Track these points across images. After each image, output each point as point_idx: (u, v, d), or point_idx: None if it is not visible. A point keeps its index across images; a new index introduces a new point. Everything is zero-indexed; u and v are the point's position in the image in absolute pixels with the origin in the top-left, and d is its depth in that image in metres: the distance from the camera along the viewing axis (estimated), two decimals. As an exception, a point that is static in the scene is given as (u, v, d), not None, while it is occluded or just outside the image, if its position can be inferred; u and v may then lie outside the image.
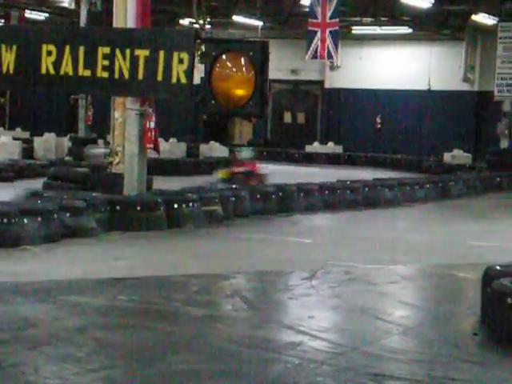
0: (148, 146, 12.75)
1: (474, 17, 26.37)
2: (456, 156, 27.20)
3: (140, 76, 10.31)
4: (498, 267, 6.83)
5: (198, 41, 11.01)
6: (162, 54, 10.35)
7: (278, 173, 22.66)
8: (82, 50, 10.35)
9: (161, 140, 23.22)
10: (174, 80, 10.39)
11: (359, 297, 7.90)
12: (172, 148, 26.11)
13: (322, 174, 21.72)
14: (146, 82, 10.39)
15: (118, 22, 12.71)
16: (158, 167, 18.32)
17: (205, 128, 33.15)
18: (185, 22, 27.73)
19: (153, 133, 12.71)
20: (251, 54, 10.22)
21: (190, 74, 10.43)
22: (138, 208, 11.70)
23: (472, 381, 5.33)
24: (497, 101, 25.05)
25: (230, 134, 34.09)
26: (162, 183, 14.96)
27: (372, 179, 18.07)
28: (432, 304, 7.88)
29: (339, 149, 31.15)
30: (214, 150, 27.11)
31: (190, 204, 12.36)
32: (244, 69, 10.55)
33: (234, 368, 5.46)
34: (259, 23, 27.19)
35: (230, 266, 9.26)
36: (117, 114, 13.07)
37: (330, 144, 31.52)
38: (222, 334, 6.35)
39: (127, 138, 12.78)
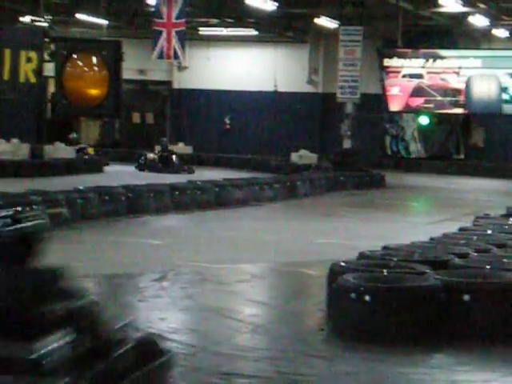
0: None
1: (316, 20, 27.04)
2: (302, 156, 27.80)
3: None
4: (342, 263, 7.02)
5: (47, 39, 10.61)
6: (7, 52, 9.99)
7: (127, 174, 22.44)
8: None
9: (1, 141, 22.45)
10: (22, 79, 10.05)
11: (210, 297, 7.93)
12: (14, 149, 25.24)
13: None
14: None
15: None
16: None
17: (50, 128, 32.32)
18: (25, 19, 26.96)
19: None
20: (104, 53, 9.97)
21: (38, 73, 10.09)
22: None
23: (318, 375, 5.46)
24: (340, 102, 25.78)
25: (77, 134, 33.40)
26: (3, 186, 14.46)
27: (222, 179, 18.20)
28: (281, 301, 8.01)
29: (189, 149, 31.19)
30: (60, 150, 26.46)
31: (33, 207, 11.98)
32: (96, 68, 10.29)
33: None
34: (104, 22, 26.81)
35: (76, 270, 9.05)
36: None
37: (180, 144, 31.50)
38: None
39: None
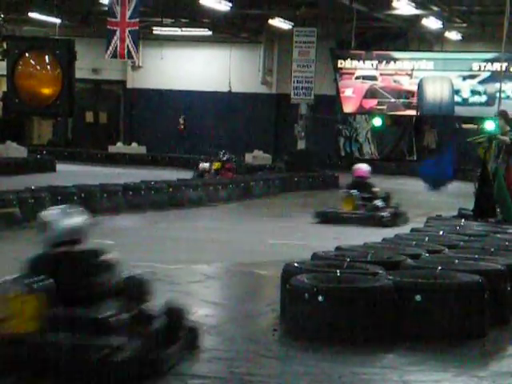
0: None
1: (270, 21, 27.11)
2: (257, 157, 27.87)
3: None
4: (296, 264, 7.03)
5: (-1, 38, 10.53)
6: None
7: (80, 174, 22.26)
8: None
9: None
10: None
11: (163, 297, 7.87)
12: (-36, 149, 24.95)
13: (125, 175, 21.53)
14: None
15: None
16: None
17: (2, 127, 31.92)
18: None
19: None
20: (57, 52, 9.89)
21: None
22: None
23: (271, 375, 5.46)
24: (294, 103, 25.87)
25: (28, 133, 33.05)
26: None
27: (176, 179, 18.14)
28: (234, 302, 8.00)
29: (143, 149, 31.05)
30: (12, 150, 26.15)
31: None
32: (49, 67, 10.22)
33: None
34: (57, 21, 26.54)
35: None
36: None
37: (134, 144, 31.34)
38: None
39: None
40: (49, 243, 5.41)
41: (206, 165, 20.49)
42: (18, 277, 5.22)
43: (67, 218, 5.49)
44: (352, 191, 15.13)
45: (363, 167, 16.06)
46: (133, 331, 5.09)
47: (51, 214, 5.56)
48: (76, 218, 5.53)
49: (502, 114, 12.79)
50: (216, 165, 20.39)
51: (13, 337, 4.87)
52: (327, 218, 14.76)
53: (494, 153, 12.11)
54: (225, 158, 20.75)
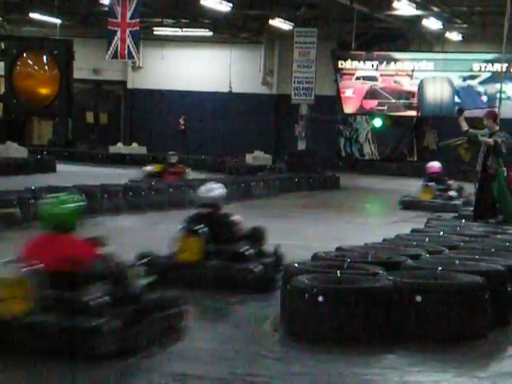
0: None
1: (271, 21, 27.13)
2: (257, 157, 27.86)
3: None
4: (297, 264, 7.03)
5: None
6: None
7: (80, 174, 22.25)
8: None
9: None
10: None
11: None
12: (-36, 148, 24.95)
13: (126, 175, 21.52)
14: None
15: None
16: None
17: (1, 127, 31.92)
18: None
19: None
20: (55, 52, 9.95)
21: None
22: None
23: (272, 376, 5.46)
24: (294, 104, 25.87)
25: (28, 133, 33.04)
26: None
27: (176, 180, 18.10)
28: (235, 302, 7.98)
29: (143, 149, 31.05)
30: (12, 150, 26.14)
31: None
32: (47, 67, 10.30)
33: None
34: (58, 21, 26.54)
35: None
36: None
37: (134, 145, 31.34)
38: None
39: None
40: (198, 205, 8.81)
41: (151, 168, 20.21)
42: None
43: (211, 191, 8.83)
44: (430, 183, 17.53)
45: (435, 164, 18.43)
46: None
47: (205, 188, 8.88)
48: (216, 191, 8.84)
49: (491, 115, 12.75)
50: (158, 167, 19.70)
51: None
52: (409, 205, 17.01)
53: (483, 152, 12.11)
54: (174, 161, 20.10)
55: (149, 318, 5.80)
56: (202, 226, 8.35)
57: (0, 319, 5.47)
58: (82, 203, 6.37)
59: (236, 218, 8.79)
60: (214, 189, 8.82)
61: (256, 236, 8.73)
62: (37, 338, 5.42)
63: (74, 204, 6.23)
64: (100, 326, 5.38)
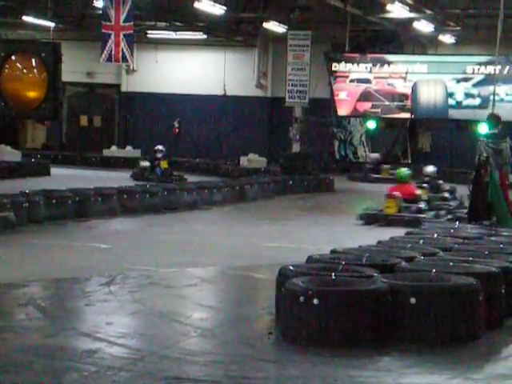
0: None
1: (265, 24, 27.13)
2: (252, 160, 27.85)
3: None
4: (291, 267, 7.04)
5: (-16, 41, 10.55)
6: None
7: (74, 177, 22.24)
8: None
9: None
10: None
11: (159, 301, 7.89)
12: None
13: (120, 178, 21.52)
14: None
15: None
16: None
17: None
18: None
19: None
20: (43, 55, 9.88)
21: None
22: None
23: (266, 378, 5.46)
24: (288, 106, 25.87)
25: (22, 137, 32.98)
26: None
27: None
28: (230, 305, 8.00)
29: (137, 153, 31.00)
30: (6, 154, 26.10)
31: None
32: (35, 70, 10.20)
33: (27, 379, 5.27)
34: (51, 24, 26.50)
35: (22, 274, 8.94)
36: None
37: (128, 148, 31.30)
38: (14, 344, 6.11)
39: None
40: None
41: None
42: None
43: None
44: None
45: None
46: None
47: None
48: None
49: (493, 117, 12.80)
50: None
51: None
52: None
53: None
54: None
55: None
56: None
57: None
58: None
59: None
60: None
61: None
62: None
63: None
64: None
